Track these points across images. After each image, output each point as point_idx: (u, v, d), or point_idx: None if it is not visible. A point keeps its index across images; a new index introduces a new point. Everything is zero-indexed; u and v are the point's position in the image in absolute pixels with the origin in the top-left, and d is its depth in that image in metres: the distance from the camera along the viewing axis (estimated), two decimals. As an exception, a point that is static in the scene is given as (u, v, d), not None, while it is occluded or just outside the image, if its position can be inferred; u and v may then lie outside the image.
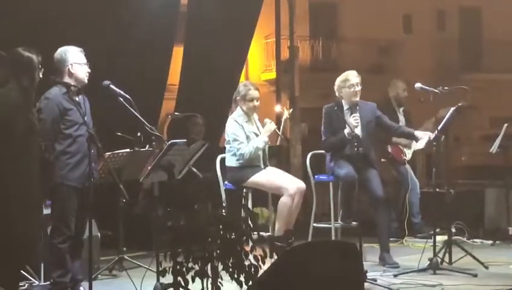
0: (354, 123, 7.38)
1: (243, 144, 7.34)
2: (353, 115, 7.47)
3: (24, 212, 5.52)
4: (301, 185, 7.39)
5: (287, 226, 7.27)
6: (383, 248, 7.47)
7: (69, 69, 6.00)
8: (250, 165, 7.39)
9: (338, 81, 7.65)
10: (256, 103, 7.48)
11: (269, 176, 7.39)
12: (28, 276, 6.44)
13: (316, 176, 7.98)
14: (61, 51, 6.06)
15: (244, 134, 7.39)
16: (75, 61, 6.03)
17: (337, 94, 7.67)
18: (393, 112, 9.16)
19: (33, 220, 5.64)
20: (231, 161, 7.45)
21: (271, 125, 7.43)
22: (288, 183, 7.33)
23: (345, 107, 7.60)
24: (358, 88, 7.54)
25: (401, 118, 9.33)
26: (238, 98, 7.49)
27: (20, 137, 5.51)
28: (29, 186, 5.57)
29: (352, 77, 7.58)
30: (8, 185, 5.48)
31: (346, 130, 7.38)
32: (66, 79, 5.97)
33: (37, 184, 5.64)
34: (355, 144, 7.04)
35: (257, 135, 7.44)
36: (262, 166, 7.45)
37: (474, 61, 22.64)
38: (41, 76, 5.71)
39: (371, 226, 7.51)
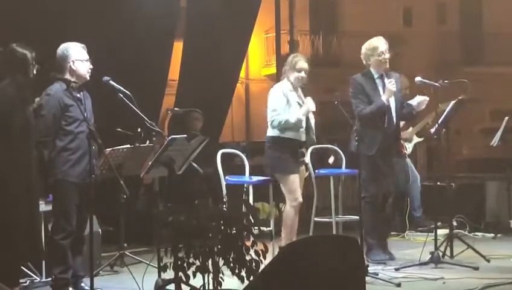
0: (391, 88, 7.17)
1: (277, 113, 7.17)
2: (389, 80, 7.24)
3: (22, 207, 5.52)
4: (301, 199, 7.31)
5: (291, 237, 7.20)
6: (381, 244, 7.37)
7: (70, 65, 5.99)
8: (300, 153, 7.27)
9: (365, 49, 7.38)
10: (303, 75, 7.26)
11: (295, 182, 7.24)
12: (29, 272, 6.44)
13: (316, 170, 7.97)
14: (63, 47, 6.05)
15: (286, 104, 7.21)
16: (77, 58, 6.02)
17: (364, 62, 7.40)
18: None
19: (33, 216, 5.64)
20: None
21: (306, 107, 7.19)
22: (298, 194, 7.25)
23: (375, 75, 7.34)
24: (388, 55, 7.32)
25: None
26: (287, 68, 7.32)
27: (17, 132, 5.51)
28: (28, 180, 5.57)
29: (381, 44, 7.34)
30: (6, 179, 5.48)
31: (384, 97, 7.19)
32: (67, 75, 5.96)
33: (35, 178, 5.65)
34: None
35: (301, 106, 7.25)
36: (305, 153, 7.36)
37: (474, 54, 22.59)
38: (35, 72, 5.70)
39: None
